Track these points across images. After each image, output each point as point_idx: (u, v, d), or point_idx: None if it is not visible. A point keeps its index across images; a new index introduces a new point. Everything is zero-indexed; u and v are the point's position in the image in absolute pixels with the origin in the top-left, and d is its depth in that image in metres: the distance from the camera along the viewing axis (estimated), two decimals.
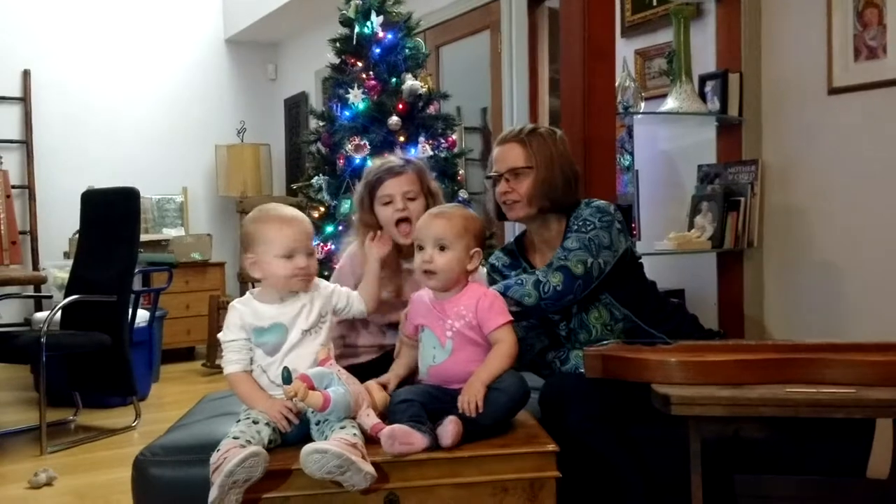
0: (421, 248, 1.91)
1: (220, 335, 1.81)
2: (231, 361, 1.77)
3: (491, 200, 2.42)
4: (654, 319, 2.29)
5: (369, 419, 1.71)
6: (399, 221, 2.28)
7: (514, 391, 1.79)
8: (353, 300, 1.99)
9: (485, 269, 2.39)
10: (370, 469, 1.58)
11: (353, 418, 1.70)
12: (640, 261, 2.43)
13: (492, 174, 2.38)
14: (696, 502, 1.75)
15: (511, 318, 1.88)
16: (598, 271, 2.22)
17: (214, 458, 1.58)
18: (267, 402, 1.72)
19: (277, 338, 1.77)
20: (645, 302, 2.33)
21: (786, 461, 2.00)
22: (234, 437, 1.62)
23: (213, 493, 1.54)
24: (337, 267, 2.43)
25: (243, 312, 1.78)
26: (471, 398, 1.74)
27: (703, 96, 3.46)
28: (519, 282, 2.20)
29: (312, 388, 1.66)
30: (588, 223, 2.25)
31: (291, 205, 2.04)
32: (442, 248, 1.88)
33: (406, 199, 2.29)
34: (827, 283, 3.23)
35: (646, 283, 2.42)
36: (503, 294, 2.10)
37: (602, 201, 2.34)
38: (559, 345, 2.37)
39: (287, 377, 1.69)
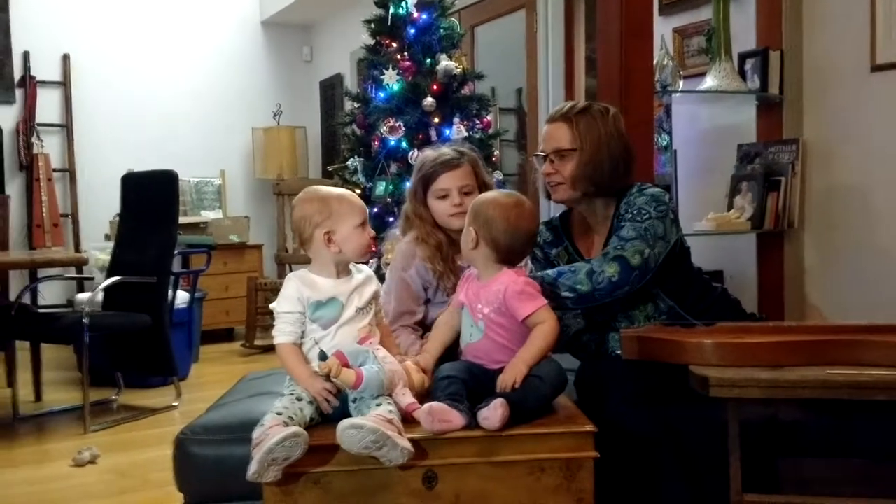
0: None
1: (273, 305, 1.82)
2: (283, 332, 1.79)
3: (540, 179, 2.35)
4: (696, 309, 2.22)
5: (405, 398, 1.72)
6: (454, 214, 2.22)
7: (553, 378, 1.79)
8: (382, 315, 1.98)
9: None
10: (407, 444, 1.59)
11: (389, 396, 1.71)
12: (688, 248, 2.35)
13: (539, 153, 2.33)
14: (735, 485, 1.74)
15: (545, 300, 1.86)
16: (654, 262, 2.14)
17: (257, 433, 1.61)
18: (310, 379, 1.73)
19: (334, 312, 1.79)
20: (689, 292, 2.27)
21: (831, 446, 1.97)
22: (278, 413, 1.65)
23: (252, 467, 1.57)
24: (396, 272, 2.27)
25: (301, 286, 1.80)
26: (509, 378, 1.74)
27: (742, 74, 3.41)
28: (572, 269, 2.13)
29: (346, 365, 1.67)
30: (643, 212, 2.16)
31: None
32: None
33: (462, 193, 2.24)
34: (869, 265, 3.17)
35: (692, 272, 2.34)
36: (554, 281, 2.08)
37: (656, 189, 2.25)
38: (595, 328, 2.32)
39: (322, 357, 1.71)
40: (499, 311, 1.84)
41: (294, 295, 1.79)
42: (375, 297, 1.88)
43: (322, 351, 1.73)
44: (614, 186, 2.25)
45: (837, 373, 1.69)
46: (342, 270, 1.84)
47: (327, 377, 1.69)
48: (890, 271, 3.11)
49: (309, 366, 1.77)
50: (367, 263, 1.95)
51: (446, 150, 2.30)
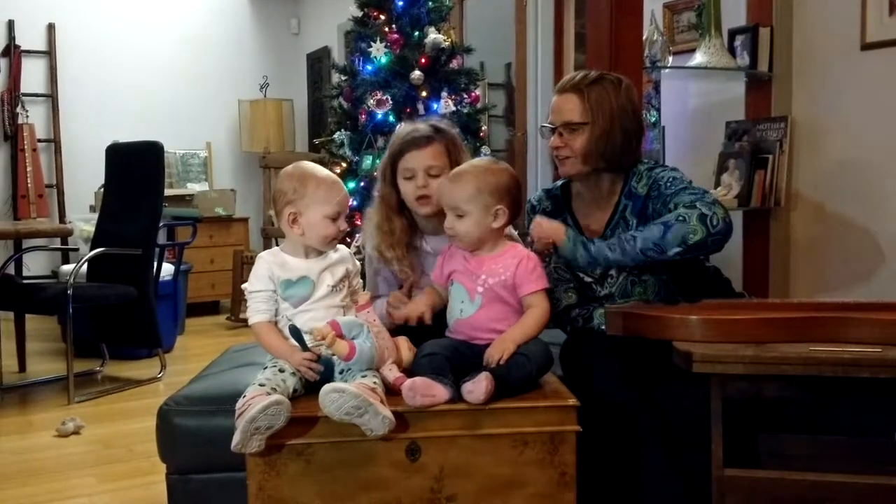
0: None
1: (245, 285, 1.82)
2: (257, 311, 1.79)
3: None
4: (692, 291, 2.20)
5: (392, 373, 1.72)
6: (419, 198, 2.12)
7: (539, 357, 1.79)
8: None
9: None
10: (388, 414, 1.59)
11: (377, 371, 1.71)
12: None
13: (546, 125, 2.24)
14: (716, 460, 1.75)
15: (548, 284, 1.85)
16: None
17: (239, 403, 1.61)
18: (289, 352, 1.74)
19: (305, 291, 1.79)
20: (687, 273, 2.25)
21: (815, 423, 1.98)
22: (260, 385, 1.65)
23: (235, 437, 1.57)
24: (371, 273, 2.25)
25: (272, 264, 1.80)
26: (496, 353, 1.74)
27: (732, 51, 3.40)
28: (680, 218, 1.99)
29: (341, 336, 1.67)
30: (679, 180, 2.13)
31: (314, 161, 2.03)
32: (459, 216, 1.85)
33: (428, 175, 2.09)
34: (855, 244, 3.18)
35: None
36: (662, 238, 1.97)
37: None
38: (587, 303, 2.28)
39: (295, 333, 1.70)
40: (503, 284, 1.82)
41: (265, 273, 1.79)
42: (348, 275, 1.86)
43: (293, 325, 1.72)
44: (625, 161, 2.19)
45: (821, 350, 1.69)
46: (311, 251, 1.83)
47: (304, 347, 1.68)
48: (875, 250, 3.12)
49: (287, 340, 1.76)
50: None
51: (420, 126, 2.15)
